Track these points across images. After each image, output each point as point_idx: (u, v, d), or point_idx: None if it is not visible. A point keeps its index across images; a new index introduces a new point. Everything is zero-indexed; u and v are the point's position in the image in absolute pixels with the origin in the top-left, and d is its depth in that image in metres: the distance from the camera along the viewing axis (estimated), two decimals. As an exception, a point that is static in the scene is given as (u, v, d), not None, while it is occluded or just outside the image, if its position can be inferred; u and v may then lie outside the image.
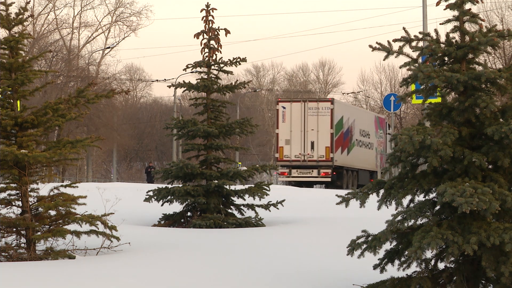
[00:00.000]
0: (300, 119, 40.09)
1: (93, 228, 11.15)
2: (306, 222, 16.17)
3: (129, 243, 11.61)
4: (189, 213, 16.65)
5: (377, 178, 8.45)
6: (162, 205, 16.70)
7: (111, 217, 11.49)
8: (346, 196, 8.25)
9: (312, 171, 40.00)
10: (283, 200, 16.58)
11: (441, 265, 8.16)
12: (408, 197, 8.17)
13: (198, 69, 17.38)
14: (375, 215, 9.66)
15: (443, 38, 8.19)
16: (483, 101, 7.76)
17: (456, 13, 8.10)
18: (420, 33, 8.27)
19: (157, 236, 13.55)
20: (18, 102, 11.47)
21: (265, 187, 16.65)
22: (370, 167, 44.26)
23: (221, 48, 17.19)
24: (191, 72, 18.03)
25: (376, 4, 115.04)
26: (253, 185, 16.74)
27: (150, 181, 50.26)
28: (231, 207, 16.82)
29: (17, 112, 11.35)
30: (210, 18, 17.11)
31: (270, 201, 16.60)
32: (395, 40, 8.21)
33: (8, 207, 11.36)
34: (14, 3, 11.75)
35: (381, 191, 8.19)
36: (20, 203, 11.22)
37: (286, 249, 12.11)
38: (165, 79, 59.52)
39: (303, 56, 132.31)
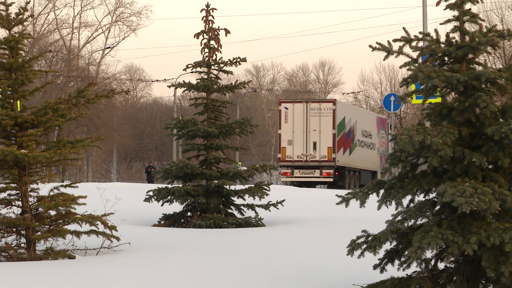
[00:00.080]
0: (302, 119, 40.28)
1: (93, 228, 11.15)
2: (306, 222, 16.17)
3: (129, 243, 11.61)
4: (189, 213, 16.65)
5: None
6: (162, 205, 16.70)
7: (111, 217, 11.49)
8: (346, 196, 8.25)
9: (314, 171, 40.20)
10: (283, 200, 16.58)
11: (441, 265, 8.16)
12: (408, 197, 8.17)
13: (198, 69, 17.38)
14: (375, 215, 9.66)
15: (443, 38, 8.19)
16: (483, 101, 7.76)
17: (456, 13, 8.10)
18: (420, 33, 8.27)
19: (157, 236, 13.55)
20: (18, 102, 11.47)
21: (265, 187, 16.66)
22: (372, 168, 44.37)
23: (221, 48, 17.19)
24: (191, 72, 18.04)
25: (376, 4, 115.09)
26: (253, 185, 16.74)
27: (150, 181, 50.26)
28: (231, 207, 16.82)
29: (17, 112, 11.35)
30: (210, 18, 17.11)
31: (270, 201, 16.60)
32: (395, 40, 8.21)
33: (8, 207, 11.36)
34: (14, 3, 11.75)
35: (381, 191, 8.19)
36: (20, 203, 11.22)
37: (286, 249, 12.11)
38: (165, 79, 59.55)
39: (303, 56, 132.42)
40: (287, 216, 17.37)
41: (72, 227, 11.22)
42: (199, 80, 17.17)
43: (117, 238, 11.28)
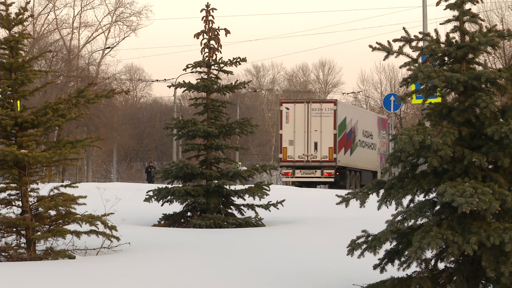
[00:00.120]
0: (303, 120, 40.50)
1: (93, 228, 11.15)
2: (306, 222, 16.17)
3: (129, 243, 11.61)
4: (189, 213, 16.65)
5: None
6: (162, 205, 16.70)
7: (111, 217, 11.49)
8: (346, 196, 8.25)
9: (316, 171, 40.40)
10: (283, 200, 16.58)
11: (441, 265, 8.16)
12: (408, 197, 8.17)
13: (198, 69, 17.38)
14: (375, 215, 9.66)
15: (443, 38, 8.19)
16: (483, 101, 7.76)
17: (456, 13, 8.10)
18: (420, 33, 8.27)
19: (157, 236, 13.55)
20: (18, 102, 11.47)
21: (265, 187, 16.66)
22: (373, 168, 44.51)
23: (221, 48, 17.19)
24: (191, 72, 18.04)
25: (376, 4, 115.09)
26: (253, 185, 16.74)
27: (150, 181, 50.27)
28: (231, 207, 16.82)
29: (17, 112, 11.35)
30: (210, 18, 17.11)
31: (270, 201, 16.61)
32: (395, 40, 8.21)
33: (8, 207, 11.36)
34: (14, 3, 11.75)
35: (381, 191, 8.19)
36: (20, 203, 11.22)
37: (286, 249, 12.11)
38: (165, 79, 59.55)
39: (303, 56, 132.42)
40: (287, 216, 17.37)
41: (72, 227, 11.22)
42: (199, 80, 17.17)
43: (117, 238, 11.28)
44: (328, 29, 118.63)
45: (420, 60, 8.17)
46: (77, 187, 11.54)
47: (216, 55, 17.14)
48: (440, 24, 8.26)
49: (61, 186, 11.43)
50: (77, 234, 11.15)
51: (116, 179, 72.11)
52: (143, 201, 16.78)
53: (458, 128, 7.94)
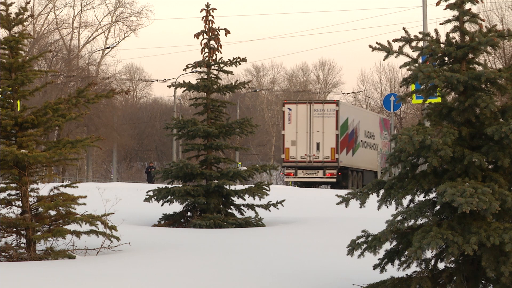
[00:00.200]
0: (305, 120, 40.83)
1: (93, 228, 11.15)
2: (306, 222, 16.17)
3: (129, 243, 11.61)
4: (189, 213, 16.65)
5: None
6: (162, 205, 16.70)
7: (111, 217, 11.49)
8: (346, 196, 8.25)
9: (318, 171, 40.70)
10: (283, 200, 16.58)
11: (441, 265, 8.16)
12: (408, 197, 8.17)
13: (198, 69, 17.39)
14: (375, 215, 9.66)
15: (443, 38, 8.19)
16: (483, 101, 7.76)
17: (456, 13, 8.10)
18: (420, 33, 8.27)
19: (157, 236, 13.55)
20: (18, 102, 11.47)
21: (265, 187, 16.66)
22: (375, 168, 44.72)
23: (221, 48, 17.20)
24: (191, 72, 18.04)
25: (376, 4, 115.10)
26: (253, 185, 16.75)
27: (150, 181, 50.26)
28: (231, 207, 16.82)
29: (17, 112, 11.35)
30: (210, 18, 17.12)
31: (270, 201, 16.61)
32: (395, 40, 8.21)
33: (8, 207, 11.36)
34: (14, 3, 11.75)
35: (381, 191, 8.19)
36: (20, 203, 11.22)
37: (286, 249, 12.11)
38: (165, 79, 59.59)
39: (303, 56, 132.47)
40: (287, 216, 17.38)
41: (72, 227, 11.22)
42: (199, 80, 17.17)
43: (117, 238, 11.28)
44: (328, 29, 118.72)
45: (420, 60, 8.17)
46: (77, 187, 11.54)
47: (216, 55, 17.15)
48: (440, 24, 8.27)
49: (61, 186, 11.43)
50: (77, 234, 11.15)
51: (116, 179, 72.10)
52: (143, 201, 16.78)
53: (458, 128, 7.94)
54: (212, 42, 17.12)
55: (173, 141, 55.78)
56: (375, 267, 8.25)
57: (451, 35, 8.15)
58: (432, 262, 8.11)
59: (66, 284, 8.77)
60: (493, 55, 45.20)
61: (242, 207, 16.78)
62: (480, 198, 7.26)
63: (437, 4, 8.22)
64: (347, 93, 73.65)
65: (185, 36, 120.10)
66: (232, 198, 16.81)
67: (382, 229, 8.06)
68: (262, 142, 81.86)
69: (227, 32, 17.22)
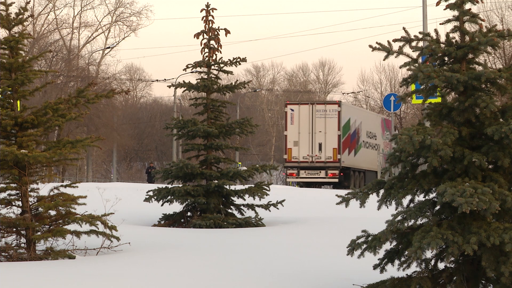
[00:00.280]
0: (308, 121, 41.14)
1: (93, 228, 11.15)
2: (306, 222, 16.17)
3: (129, 243, 11.62)
4: (189, 213, 16.65)
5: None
6: (162, 205, 16.70)
7: (111, 217, 11.49)
8: (346, 196, 8.25)
9: (320, 172, 41.00)
10: (283, 200, 16.58)
11: (441, 265, 8.16)
12: (408, 197, 8.16)
13: (198, 69, 17.39)
14: (375, 215, 9.66)
15: (443, 38, 8.19)
16: (483, 101, 7.76)
17: (456, 13, 8.10)
18: (420, 33, 8.27)
19: (157, 236, 13.55)
20: (18, 102, 11.47)
21: (265, 187, 16.66)
22: (376, 168, 44.86)
23: (221, 48, 17.20)
24: (191, 72, 18.05)
25: (376, 4, 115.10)
26: (253, 185, 16.75)
27: (151, 181, 50.26)
28: (231, 207, 16.82)
29: (17, 112, 11.35)
30: (210, 18, 17.12)
31: (270, 201, 16.61)
32: (395, 40, 8.21)
33: (8, 207, 11.36)
34: (14, 3, 11.75)
35: (381, 191, 8.18)
36: (20, 203, 11.22)
37: (286, 249, 12.11)
38: (165, 79, 59.60)
39: (303, 56, 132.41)
40: (287, 216, 17.38)
41: (72, 227, 11.22)
42: (199, 80, 17.17)
43: (117, 238, 11.28)
44: (328, 29, 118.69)
45: (420, 60, 8.17)
46: (77, 187, 11.54)
47: (216, 55, 17.15)
48: (440, 24, 8.27)
49: (61, 186, 11.43)
50: (77, 234, 11.15)
51: (116, 179, 72.10)
52: (143, 201, 16.78)
53: (458, 128, 7.94)
54: (212, 42, 17.12)
55: (173, 141, 55.80)
56: (375, 267, 8.25)
57: (451, 35, 8.15)
58: (432, 262, 8.11)
59: (66, 284, 8.77)
60: (493, 55, 45.21)
61: (242, 207, 16.78)
62: (480, 198, 7.26)
63: (437, 4, 8.22)
64: (347, 93, 73.72)
65: (185, 36, 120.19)
66: (232, 198, 16.82)
67: (382, 229, 8.06)
68: (262, 142, 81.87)
69: (227, 32, 17.22)
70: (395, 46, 8.20)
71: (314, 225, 15.40)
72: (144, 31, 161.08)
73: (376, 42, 8.25)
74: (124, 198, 16.02)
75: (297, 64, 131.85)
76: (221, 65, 17.13)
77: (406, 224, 7.92)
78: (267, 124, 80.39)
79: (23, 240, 11.10)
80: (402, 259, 8.09)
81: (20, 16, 11.48)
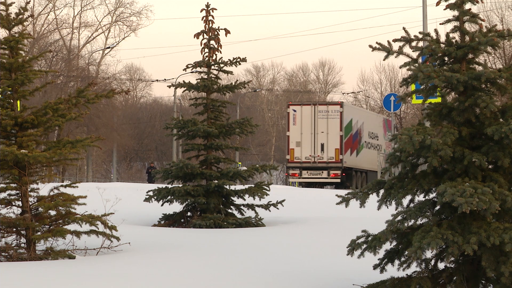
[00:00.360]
0: (310, 121, 41.44)
1: (93, 228, 11.15)
2: (306, 222, 16.17)
3: (129, 243, 11.62)
4: (189, 213, 16.65)
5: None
6: (162, 205, 16.70)
7: (111, 217, 11.49)
8: (346, 196, 8.25)
9: (322, 172, 41.28)
10: (283, 200, 16.58)
11: (441, 265, 8.16)
12: (408, 197, 8.16)
13: (198, 69, 17.39)
14: (375, 215, 9.65)
15: (443, 38, 8.19)
16: (483, 101, 7.76)
17: (456, 13, 8.10)
18: (420, 33, 8.27)
19: (157, 236, 13.55)
20: (18, 102, 11.47)
21: (265, 187, 16.66)
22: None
23: (221, 48, 17.20)
24: (191, 72, 18.05)
25: (376, 4, 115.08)
26: (253, 185, 16.75)
27: (151, 181, 50.26)
28: (231, 207, 16.82)
29: (17, 112, 11.35)
30: (210, 18, 17.12)
31: (270, 201, 16.61)
32: (395, 40, 8.21)
33: (8, 207, 11.36)
34: (14, 3, 11.75)
35: (381, 191, 8.18)
36: (20, 203, 11.22)
37: (286, 249, 12.11)
38: (165, 79, 59.58)
39: (303, 56, 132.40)
40: (287, 216, 17.38)
41: (72, 227, 11.22)
42: (199, 80, 17.17)
43: (117, 238, 11.28)
44: (328, 29, 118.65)
45: (420, 60, 8.17)
46: (77, 187, 11.53)
47: (216, 55, 17.15)
48: (440, 24, 8.27)
49: (61, 186, 11.43)
50: (77, 234, 11.15)
51: (116, 179, 72.10)
52: (143, 201, 16.78)
53: (458, 128, 7.94)
54: (212, 42, 17.12)
55: (173, 141, 55.81)
56: (375, 267, 8.25)
57: (451, 35, 8.15)
58: (432, 262, 8.11)
59: (66, 284, 8.77)
60: (493, 55, 45.21)
61: (242, 207, 16.78)
62: (480, 198, 7.26)
63: (437, 4, 8.22)
64: (347, 93, 73.70)
65: (185, 36, 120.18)
66: (232, 198, 16.81)
67: (382, 229, 8.06)
68: (262, 142, 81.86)
69: (227, 32, 17.22)
70: (395, 46, 8.21)
71: (314, 225, 15.40)
72: (144, 31, 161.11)
73: (376, 42, 8.25)
74: (124, 198, 16.02)
75: (297, 64, 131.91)
76: (221, 65, 17.13)
77: (406, 224, 7.92)
78: (267, 124, 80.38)
79: (23, 240, 11.10)
80: (402, 259, 8.09)
81: (20, 16, 11.48)
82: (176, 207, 17.18)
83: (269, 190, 16.71)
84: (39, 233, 11.05)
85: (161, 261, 10.52)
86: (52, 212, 11.26)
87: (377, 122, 48.25)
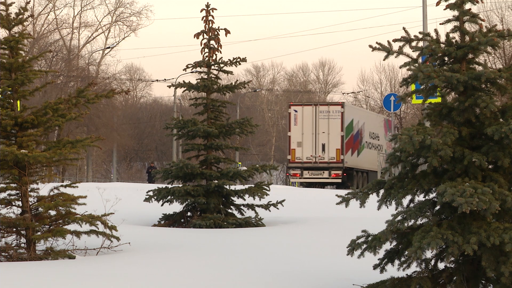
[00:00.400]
0: (311, 122, 41.64)
1: (93, 228, 11.15)
2: (306, 222, 16.17)
3: (129, 243, 11.61)
4: (189, 213, 16.65)
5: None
6: (162, 205, 16.69)
7: (111, 217, 11.49)
8: (346, 196, 8.24)
9: (323, 172, 41.44)
10: (283, 200, 16.57)
11: (441, 265, 8.16)
12: (408, 197, 8.16)
13: (198, 69, 17.39)
14: (375, 215, 9.65)
15: (443, 38, 8.19)
16: (483, 101, 7.76)
17: (456, 13, 8.10)
18: (420, 33, 8.27)
19: (157, 236, 13.55)
20: (18, 102, 11.47)
21: (265, 187, 16.66)
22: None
23: (221, 48, 17.20)
24: (191, 72, 18.05)
25: (376, 4, 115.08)
26: (253, 185, 16.74)
27: (151, 181, 50.26)
28: (231, 207, 16.82)
29: (17, 112, 11.35)
30: (210, 18, 17.12)
31: (270, 201, 16.60)
32: (395, 40, 8.21)
33: (8, 207, 11.36)
34: (14, 3, 11.75)
35: (381, 191, 8.18)
36: (20, 203, 11.22)
37: (286, 249, 12.11)
38: (165, 79, 59.59)
39: (303, 56, 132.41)
40: (287, 216, 17.38)
41: (72, 227, 11.22)
42: (199, 80, 17.17)
43: (117, 238, 11.28)
44: (328, 29, 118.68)
45: (420, 60, 8.17)
46: (77, 187, 11.53)
47: (216, 55, 17.15)
48: (440, 24, 8.27)
49: (61, 186, 11.43)
50: (77, 234, 11.14)
51: (116, 179, 72.09)
52: (143, 201, 16.78)
53: (458, 128, 7.94)
54: (212, 42, 17.12)
55: (173, 141, 55.81)
56: (375, 267, 8.25)
57: (451, 35, 8.15)
58: (432, 262, 8.11)
59: (66, 284, 8.77)
60: (493, 55, 45.20)
61: (242, 207, 16.78)
62: (480, 198, 7.26)
63: (437, 4, 8.22)
64: (347, 93, 73.73)
65: (185, 36, 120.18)
66: (232, 198, 16.81)
67: (382, 229, 8.06)
68: (262, 142, 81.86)
69: (227, 32, 17.22)
70: (395, 46, 8.21)
71: (314, 225, 15.40)
72: (144, 31, 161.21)
73: (376, 42, 8.25)
74: (124, 198, 16.02)
75: (297, 64, 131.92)
76: (221, 65, 17.13)
77: (406, 224, 7.91)
78: (267, 124, 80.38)
79: (23, 240, 11.10)
80: (402, 259, 8.08)
81: (20, 16, 11.48)
82: (176, 207, 17.18)
83: (269, 190, 16.71)
84: (39, 233, 11.05)
85: (161, 261, 10.52)
86: (52, 212, 11.26)
87: (378, 122, 48.40)
